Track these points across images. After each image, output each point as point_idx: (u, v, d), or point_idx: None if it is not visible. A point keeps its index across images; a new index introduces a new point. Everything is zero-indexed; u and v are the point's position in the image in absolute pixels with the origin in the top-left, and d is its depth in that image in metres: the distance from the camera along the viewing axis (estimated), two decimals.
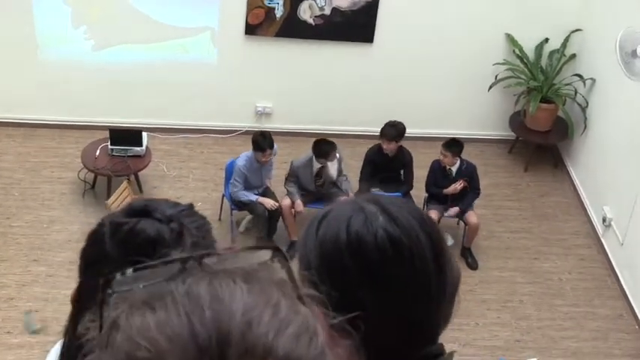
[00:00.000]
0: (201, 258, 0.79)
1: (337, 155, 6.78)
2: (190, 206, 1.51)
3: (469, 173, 6.96)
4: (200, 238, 1.42)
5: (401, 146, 7.00)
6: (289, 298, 0.77)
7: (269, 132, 6.75)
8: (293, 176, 6.85)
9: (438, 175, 6.97)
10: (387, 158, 6.95)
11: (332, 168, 6.86)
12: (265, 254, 0.82)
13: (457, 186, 6.84)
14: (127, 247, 1.36)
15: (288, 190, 6.86)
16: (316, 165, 6.79)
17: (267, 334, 0.72)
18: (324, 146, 6.72)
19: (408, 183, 7.06)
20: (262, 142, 6.56)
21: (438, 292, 1.12)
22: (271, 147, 6.61)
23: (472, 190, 6.98)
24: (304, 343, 0.73)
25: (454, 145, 6.85)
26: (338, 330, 0.80)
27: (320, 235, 1.16)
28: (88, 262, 1.44)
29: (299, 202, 6.76)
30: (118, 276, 0.79)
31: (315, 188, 6.88)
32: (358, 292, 1.11)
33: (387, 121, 7.00)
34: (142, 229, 1.39)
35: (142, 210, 1.42)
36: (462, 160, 6.94)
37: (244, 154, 6.77)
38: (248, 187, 6.74)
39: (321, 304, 0.81)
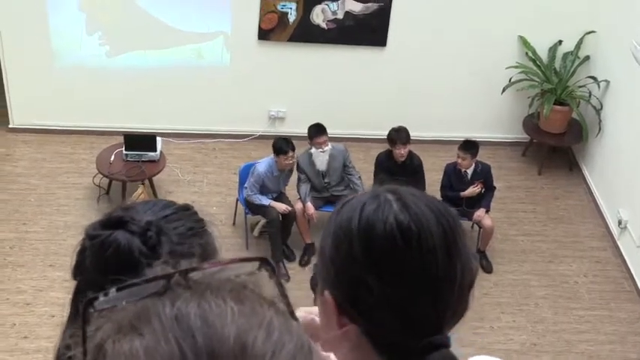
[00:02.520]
0: (186, 273, 0.76)
1: (328, 145, 6.77)
2: (181, 208, 1.47)
3: (484, 174, 6.95)
4: (183, 245, 1.38)
5: (409, 150, 6.98)
6: (281, 316, 0.74)
7: (289, 137, 6.81)
8: (301, 172, 6.87)
9: (453, 178, 6.94)
10: (397, 164, 6.93)
11: (317, 158, 6.81)
12: (252, 266, 0.79)
13: (475, 189, 6.83)
14: (100, 260, 1.36)
15: (299, 193, 6.88)
16: (315, 153, 6.81)
17: (263, 357, 0.69)
18: (311, 129, 6.79)
19: (420, 187, 7.04)
20: (284, 144, 6.64)
21: (446, 284, 1.11)
22: (293, 149, 6.66)
23: (488, 188, 6.97)
24: None
25: (471, 146, 6.84)
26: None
27: (336, 221, 1.17)
28: (75, 272, 1.45)
29: (309, 205, 6.78)
30: (101, 297, 0.76)
31: (323, 184, 6.89)
32: (366, 278, 1.11)
33: (393, 127, 6.97)
34: (113, 242, 1.38)
35: (117, 221, 1.41)
36: (476, 162, 6.93)
37: (265, 160, 6.77)
38: (264, 192, 6.77)
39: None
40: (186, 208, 1.48)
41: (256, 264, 0.80)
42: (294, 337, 0.73)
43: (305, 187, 6.88)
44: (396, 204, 1.14)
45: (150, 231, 1.38)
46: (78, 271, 1.45)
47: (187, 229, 1.43)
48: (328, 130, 6.94)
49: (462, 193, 6.83)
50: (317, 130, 6.78)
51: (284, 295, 0.79)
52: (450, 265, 1.11)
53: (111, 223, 1.42)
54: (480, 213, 6.86)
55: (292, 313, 0.77)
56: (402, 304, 1.10)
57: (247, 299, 0.73)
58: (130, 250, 1.36)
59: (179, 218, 1.44)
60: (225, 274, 0.77)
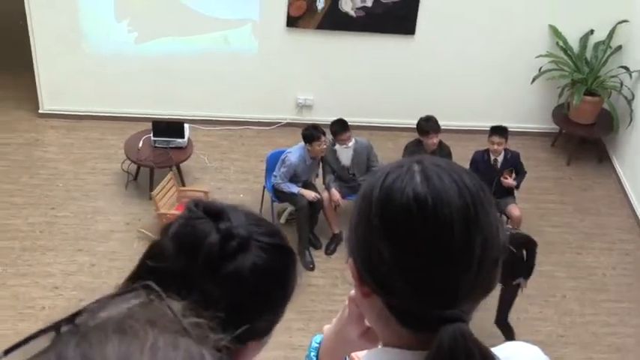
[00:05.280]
0: (72, 319, 0.75)
1: (352, 140, 6.76)
2: (279, 246, 1.33)
3: (514, 161, 6.89)
4: (247, 281, 1.27)
5: (439, 140, 6.95)
6: (168, 334, 0.74)
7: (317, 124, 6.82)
8: (326, 163, 6.88)
9: (482, 167, 6.85)
10: (426, 153, 6.89)
11: (342, 154, 6.83)
12: (142, 295, 0.79)
13: (510, 181, 6.79)
14: (176, 239, 1.30)
15: (324, 182, 6.88)
16: (340, 149, 6.81)
17: None
18: (334, 125, 6.79)
19: None
20: (314, 131, 6.65)
21: (462, 258, 1.10)
22: (324, 134, 6.69)
23: (519, 173, 6.92)
24: None
25: (504, 130, 6.78)
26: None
27: (363, 189, 1.19)
28: (162, 232, 1.36)
29: (334, 191, 6.79)
30: None
31: (348, 175, 6.89)
32: (381, 246, 1.12)
33: (422, 116, 6.94)
34: (193, 227, 1.29)
35: (216, 211, 1.31)
36: (505, 150, 6.87)
37: (296, 149, 6.75)
38: (293, 180, 6.77)
39: (207, 329, 0.79)
40: (285, 251, 1.34)
41: (143, 292, 0.79)
42: (180, 351, 0.72)
43: (329, 176, 6.89)
44: (419, 175, 1.13)
45: (233, 241, 1.27)
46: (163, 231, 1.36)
47: (265, 266, 1.28)
48: (356, 119, 6.94)
49: (505, 182, 6.75)
50: (340, 127, 6.76)
51: (172, 312, 0.78)
52: (468, 239, 1.10)
53: (211, 210, 1.31)
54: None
55: (185, 329, 0.76)
56: (414, 274, 1.10)
57: (131, 327, 0.72)
58: (200, 244, 1.26)
59: (268, 250, 1.30)
60: (114, 309, 0.76)
